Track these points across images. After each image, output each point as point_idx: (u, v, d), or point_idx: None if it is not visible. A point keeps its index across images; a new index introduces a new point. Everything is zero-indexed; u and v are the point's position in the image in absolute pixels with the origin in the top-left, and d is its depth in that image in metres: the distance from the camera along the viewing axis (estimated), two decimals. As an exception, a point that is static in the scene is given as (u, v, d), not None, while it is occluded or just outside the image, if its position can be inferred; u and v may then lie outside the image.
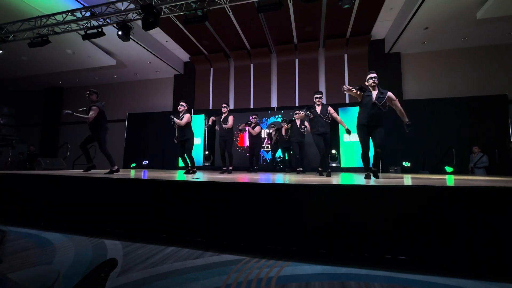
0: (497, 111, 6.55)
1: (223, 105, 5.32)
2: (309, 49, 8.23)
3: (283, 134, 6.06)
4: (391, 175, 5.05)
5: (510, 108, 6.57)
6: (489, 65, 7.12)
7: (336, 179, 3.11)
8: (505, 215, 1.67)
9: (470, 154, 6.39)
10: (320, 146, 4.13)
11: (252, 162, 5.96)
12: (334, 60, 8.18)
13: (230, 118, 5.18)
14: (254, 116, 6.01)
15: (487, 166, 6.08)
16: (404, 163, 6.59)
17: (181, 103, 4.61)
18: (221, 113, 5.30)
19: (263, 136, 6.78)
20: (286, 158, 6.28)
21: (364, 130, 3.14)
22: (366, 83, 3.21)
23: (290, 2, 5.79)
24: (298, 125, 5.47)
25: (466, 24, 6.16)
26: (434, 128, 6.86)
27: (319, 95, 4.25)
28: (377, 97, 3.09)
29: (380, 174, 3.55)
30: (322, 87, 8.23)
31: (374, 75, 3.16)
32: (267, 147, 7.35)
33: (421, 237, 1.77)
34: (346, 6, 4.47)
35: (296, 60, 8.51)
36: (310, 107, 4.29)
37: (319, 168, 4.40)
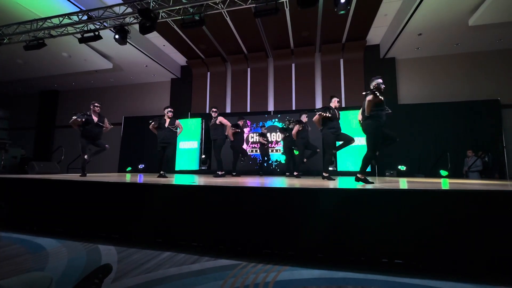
0: (490, 116, 6.66)
1: (213, 109, 5.34)
2: (306, 54, 8.31)
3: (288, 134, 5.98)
4: (387, 178, 5.09)
5: (503, 112, 6.70)
6: (482, 71, 7.27)
7: (334, 183, 3.12)
8: (500, 218, 1.69)
9: (465, 158, 6.47)
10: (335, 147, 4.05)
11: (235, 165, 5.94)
12: (330, 65, 8.27)
13: (224, 120, 5.22)
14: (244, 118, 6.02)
15: (481, 170, 6.16)
16: (399, 167, 6.65)
17: (171, 109, 4.80)
18: (212, 117, 5.31)
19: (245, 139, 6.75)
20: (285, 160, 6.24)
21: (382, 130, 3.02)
22: (377, 86, 3.03)
23: (286, 7, 5.87)
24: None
25: (459, 31, 6.30)
26: (429, 132, 6.95)
27: (337, 99, 4.14)
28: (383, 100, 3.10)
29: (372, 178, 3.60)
30: (318, 91, 8.31)
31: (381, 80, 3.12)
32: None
33: (418, 240, 1.78)
34: (342, 12, 4.54)
35: (293, 65, 8.58)
36: (329, 108, 4.07)
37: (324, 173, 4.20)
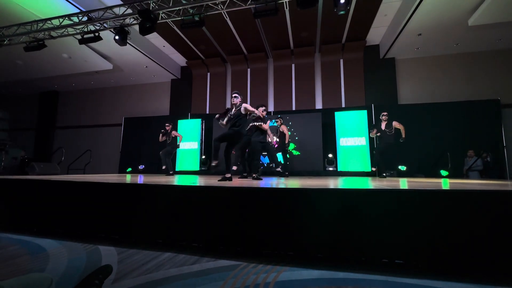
0: (490, 116, 6.66)
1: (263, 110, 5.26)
2: (305, 54, 8.32)
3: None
4: (387, 178, 5.08)
5: (503, 112, 6.70)
6: (481, 70, 7.27)
7: (333, 183, 3.12)
8: (500, 218, 1.69)
9: (465, 158, 6.46)
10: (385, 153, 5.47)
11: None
12: (330, 65, 8.28)
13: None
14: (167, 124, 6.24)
15: (481, 170, 6.16)
16: (399, 167, 6.64)
17: (236, 94, 4.00)
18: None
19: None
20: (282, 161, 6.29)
21: None
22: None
23: (286, 8, 5.88)
24: None
25: (458, 31, 6.30)
26: (429, 132, 6.95)
27: (385, 113, 5.49)
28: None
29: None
30: (318, 91, 8.31)
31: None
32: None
33: (418, 241, 1.77)
34: (341, 12, 4.55)
35: (293, 65, 8.59)
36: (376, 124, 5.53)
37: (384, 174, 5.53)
